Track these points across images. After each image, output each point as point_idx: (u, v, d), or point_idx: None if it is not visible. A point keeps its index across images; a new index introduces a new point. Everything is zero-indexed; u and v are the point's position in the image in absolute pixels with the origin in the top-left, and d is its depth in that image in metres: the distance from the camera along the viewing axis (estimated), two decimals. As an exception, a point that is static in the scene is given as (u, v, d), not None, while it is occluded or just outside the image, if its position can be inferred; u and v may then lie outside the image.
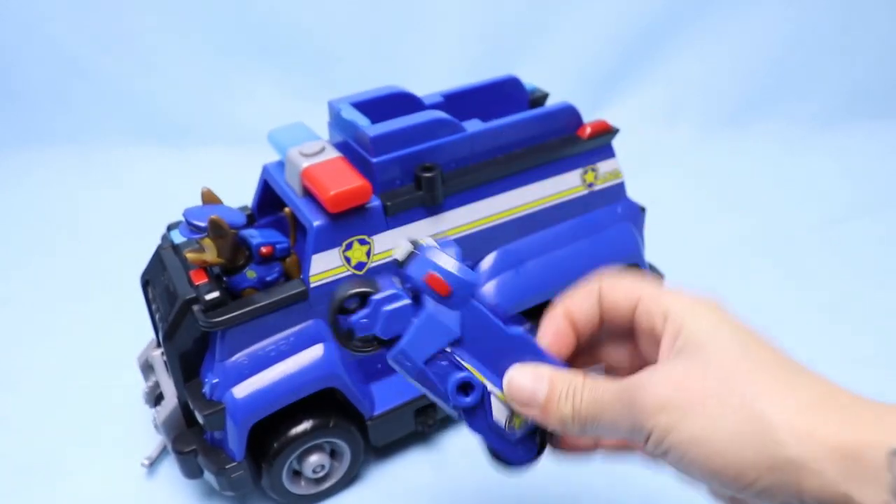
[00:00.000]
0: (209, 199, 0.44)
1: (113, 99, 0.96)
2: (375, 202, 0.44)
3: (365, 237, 0.44)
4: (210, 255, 0.42)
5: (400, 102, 0.48)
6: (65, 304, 0.68)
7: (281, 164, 0.47)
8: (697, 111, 0.96)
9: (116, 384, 0.58)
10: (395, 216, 0.44)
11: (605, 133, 0.52)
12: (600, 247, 0.53)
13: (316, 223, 0.42)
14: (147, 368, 0.51)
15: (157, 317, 0.46)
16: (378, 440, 0.48)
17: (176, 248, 0.46)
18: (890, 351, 0.58)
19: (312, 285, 0.43)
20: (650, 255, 0.72)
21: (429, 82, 0.61)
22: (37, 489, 0.49)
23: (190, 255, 0.42)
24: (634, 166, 0.89)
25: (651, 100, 0.96)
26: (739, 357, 0.25)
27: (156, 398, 0.48)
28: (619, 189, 0.56)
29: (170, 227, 0.49)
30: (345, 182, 0.42)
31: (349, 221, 0.43)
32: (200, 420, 0.42)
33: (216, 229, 0.41)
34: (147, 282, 0.48)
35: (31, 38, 0.94)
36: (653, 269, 0.59)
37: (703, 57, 0.95)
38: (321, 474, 0.47)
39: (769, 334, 0.27)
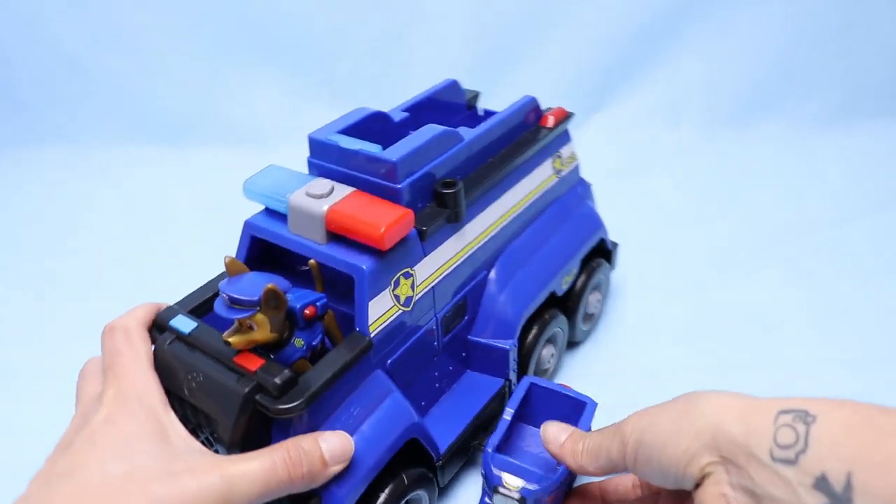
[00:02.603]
0: (236, 268, 0.37)
1: (112, 99, 0.96)
2: (412, 230, 0.41)
3: (409, 269, 0.41)
4: (261, 332, 0.35)
5: (375, 122, 0.46)
6: (64, 303, 0.68)
7: (272, 215, 0.42)
8: (698, 111, 0.95)
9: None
10: (428, 240, 0.42)
11: (565, 119, 0.54)
12: (576, 229, 0.56)
13: (364, 266, 0.38)
14: None
15: (200, 432, 0.38)
16: (445, 479, 0.45)
17: (188, 339, 0.38)
18: (892, 351, 0.58)
19: (372, 335, 0.39)
20: (651, 255, 0.72)
21: (429, 82, 0.61)
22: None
23: (236, 340, 0.35)
24: (635, 166, 0.89)
25: (652, 100, 0.96)
26: (688, 399, 0.34)
27: None
28: (577, 170, 0.59)
29: (164, 318, 0.40)
30: (387, 215, 0.38)
31: (394, 257, 0.40)
32: None
33: (275, 300, 0.35)
34: (168, 392, 0.38)
35: (30, 38, 0.94)
36: (612, 244, 0.62)
37: (703, 57, 0.95)
38: None
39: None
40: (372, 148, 0.41)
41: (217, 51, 0.95)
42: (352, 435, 0.37)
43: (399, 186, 0.40)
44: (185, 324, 0.38)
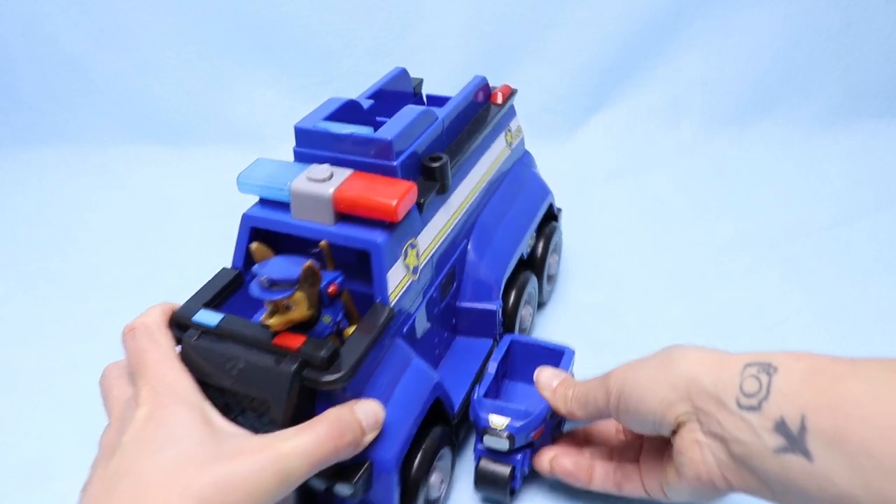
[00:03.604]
0: (262, 253, 0.38)
1: (112, 99, 0.96)
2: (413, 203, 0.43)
3: (413, 240, 0.44)
4: (299, 310, 0.37)
5: (349, 111, 0.48)
6: (64, 303, 0.68)
7: (269, 206, 0.43)
8: (698, 111, 0.95)
9: (115, 385, 0.58)
10: (425, 212, 0.45)
11: (511, 95, 0.59)
12: (530, 198, 0.61)
13: (379, 240, 0.40)
14: None
15: (243, 419, 0.38)
16: (460, 438, 0.48)
17: (217, 331, 0.38)
18: (892, 351, 0.58)
19: (392, 304, 0.41)
20: (651, 255, 0.72)
21: (429, 81, 0.61)
22: (36, 490, 0.49)
23: (275, 322, 0.36)
24: (635, 166, 0.89)
25: (652, 100, 0.96)
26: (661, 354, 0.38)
27: None
28: (522, 143, 0.63)
29: (184, 316, 0.40)
30: (395, 189, 0.40)
31: (401, 229, 0.42)
32: (347, 491, 0.38)
33: (312, 277, 0.36)
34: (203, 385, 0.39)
35: (30, 38, 0.94)
36: (557, 209, 0.67)
37: (704, 56, 0.95)
38: (443, 491, 0.45)
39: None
40: (363, 130, 0.43)
41: (217, 51, 0.95)
42: (387, 401, 0.39)
43: (395, 164, 0.42)
44: (210, 317, 0.39)
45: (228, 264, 0.45)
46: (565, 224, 0.73)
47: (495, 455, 0.45)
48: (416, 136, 0.45)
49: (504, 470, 0.44)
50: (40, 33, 0.93)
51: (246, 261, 0.44)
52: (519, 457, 0.45)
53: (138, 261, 0.74)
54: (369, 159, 0.43)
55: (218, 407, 0.37)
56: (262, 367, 0.37)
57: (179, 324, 0.40)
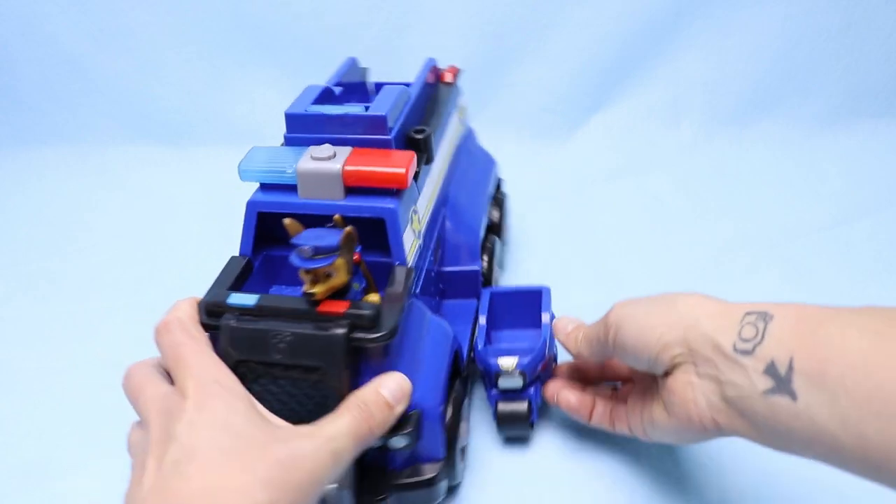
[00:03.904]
0: (296, 228, 0.39)
1: (112, 99, 0.96)
2: None
3: (414, 207, 0.46)
4: (340, 277, 0.38)
5: (327, 96, 0.50)
6: (64, 303, 0.68)
7: (271, 190, 0.45)
8: (698, 111, 0.95)
9: (114, 384, 0.57)
10: (419, 181, 0.47)
11: (458, 74, 0.64)
12: (484, 168, 0.66)
13: (392, 206, 0.42)
14: None
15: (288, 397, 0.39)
16: (468, 389, 0.51)
17: (255, 310, 0.39)
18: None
19: (409, 264, 0.44)
20: (651, 255, 0.72)
21: (429, 82, 0.62)
22: (36, 490, 0.49)
23: (319, 289, 0.38)
24: (635, 166, 0.89)
25: (652, 99, 0.96)
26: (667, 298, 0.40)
27: None
28: (467, 119, 0.68)
29: (216, 302, 0.40)
30: (398, 159, 0.43)
31: (405, 196, 0.44)
32: (402, 442, 0.40)
33: (351, 244, 0.38)
34: (240, 365, 0.39)
35: (30, 38, 0.94)
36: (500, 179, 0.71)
37: (704, 56, 0.95)
38: (468, 439, 0.49)
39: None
40: (355, 109, 0.45)
41: (217, 51, 0.95)
42: (419, 354, 0.42)
43: (389, 137, 0.45)
44: (246, 298, 0.39)
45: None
46: (565, 224, 0.73)
47: (510, 395, 0.48)
48: (400, 112, 0.47)
49: (522, 406, 0.48)
50: (40, 33, 0.93)
51: (254, 247, 0.45)
52: (532, 390, 0.48)
53: (138, 261, 0.74)
54: (364, 136, 0.45)
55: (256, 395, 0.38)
56: (312, 336, 0.37)
57: (212, 311, 0.40)
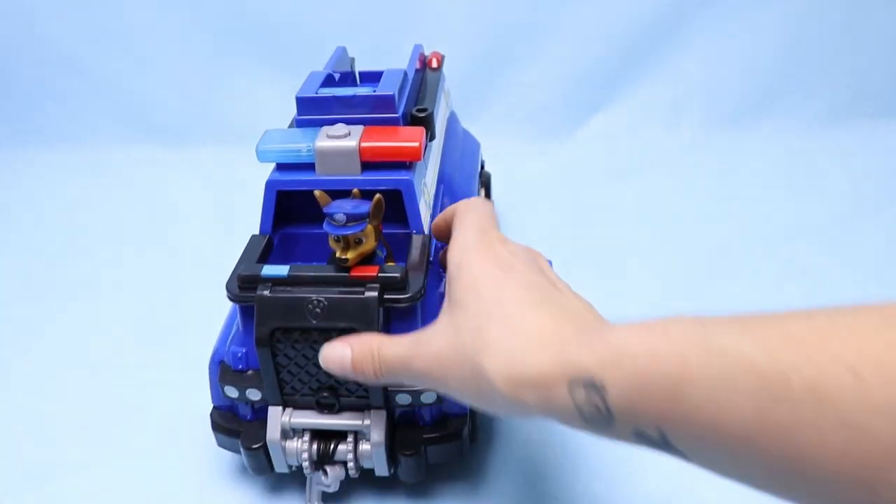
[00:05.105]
0: (326, 198, 0.41)
1: (112, 99, 0.96)
2: None
3: (424, 180, 0.48)
4: (369, 242, 0.41)
5: (329, 81, 0.53)
6: (64, 303, 0.68)
7: (287, 169, 0.46)
8: (698, 111, 0.95)
9: (114, 384, 0.58)
10: (424, 156, 0.48)
11: (442, 60, 0.65)
12: (471, 150, 0.68)
13: (408, 177, 0.44)
14: (289, 437, 0.44)
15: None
16: None
17: (288, 280, 0.41)
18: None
19: (425, 233, 0.46)
20: (651, 255, 0.72)
21: (429, 82, 0.62)
22: (36, 490, 0.49)
23: (352, 255, 0.40)
24: (635, 166, 0.89)
25: (652, 99, 0.96)
26: (481, 318, 0.32)
27: (321, 459, 0.44)
28: (451, 103, 0.70)
29: (251, 275, 0.41)
30: (411, 134, 0.45)
31: (418, 170, 0.46)
32: (430, 399, 0.43)
33: (379, 211, 0.40)
34: (273, 337, 0.41)
35: (27, 37, 0.94)
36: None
37: (705, 56, 0.95)
38: None
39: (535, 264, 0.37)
40: (364, 91, 0.48)
41: (217, 51, 0.95)
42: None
43: (398, 115, 0.47)
44: (278, 269, 0.41)
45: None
46: (565, 224, 0.73)
47: None
48: (403, 91, 0.50)
49: None
50: (40, 33, 0.93)
51: (273, 225, 0.47)
52: None
53: (138, 261, 0.74)
54: (374, 115, 0.47)
55: (296, 356, 0.41)
56: (346, 300, 0.40)
57: (247, 284, 0.41)
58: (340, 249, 0.40)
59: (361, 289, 0.40)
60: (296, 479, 0.47)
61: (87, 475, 0.50)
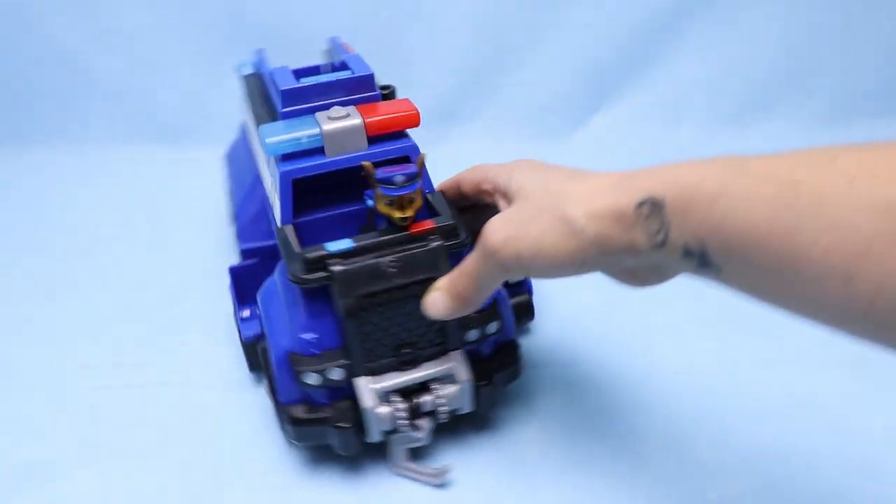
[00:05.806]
0: (370, 168, 0.43)
1: (111, 98, 0.96)
2: None
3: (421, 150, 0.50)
4: (418, 200, 0.43)
5: (303, 73, 0.55)
6: (64, 303, 0.68)
7: (296, 158, 0.47)
8: (698, 111, 0.95)
9: (113, 384, 0.58)
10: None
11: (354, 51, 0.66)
12: None
13: (412, 143, 0.47)
14: (384, 401, 0.45)
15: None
16: None
17: (355, 250, 0.43)
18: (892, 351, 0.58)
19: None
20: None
21: (429, 80, 0.62)
22: (36, 490, 0.49)
23: (409, 213, 0.43)
24: (635, 166, 0.89)
25: (652, 99, 0.96)
26: (545, 188, 0.38)
27: (412, 413, 0.46)
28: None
29: (316, 255, 0.43)
30: (403, 104, 0.48)
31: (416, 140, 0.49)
32: (494, 329, 0.47)
33: (422, 169, 0.43)
34: (361, 300, 0.44)
35: (27, 36, 0.94)
36: None
37: (704, 56, 0.95)
38: None
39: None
40: (344, 74, 0.50)
41: (217, 51, 0.95)
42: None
43: (377, 93, 0.50)
44: (342, 244, 0.43)
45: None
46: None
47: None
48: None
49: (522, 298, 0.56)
50: (40, 33, 0.93)
51: (294, 213, 0.48)
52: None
53: (138, 261, 0.74)
54: (356, 95, 0.49)
55: (382, 320, 0.44)
56: (418, 254, 0.43)
57: (315, 265, 0.43)
58: (398, 210, 0.42)
59: (424, 242, 0.43)
60: (301, 470, 0.47)
61: (87, 475, 0.50)
